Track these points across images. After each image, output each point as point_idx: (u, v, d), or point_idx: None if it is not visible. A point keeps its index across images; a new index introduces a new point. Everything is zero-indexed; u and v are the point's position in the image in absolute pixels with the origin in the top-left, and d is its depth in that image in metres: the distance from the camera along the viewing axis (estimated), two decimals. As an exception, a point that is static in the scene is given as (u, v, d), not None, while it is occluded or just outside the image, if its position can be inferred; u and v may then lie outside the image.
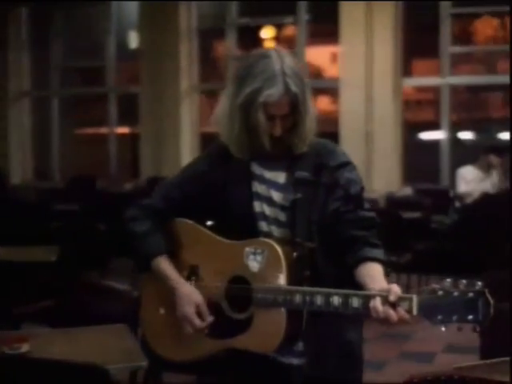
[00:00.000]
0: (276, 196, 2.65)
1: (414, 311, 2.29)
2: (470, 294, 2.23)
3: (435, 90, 11.32)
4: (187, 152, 12.00)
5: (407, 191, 10.41)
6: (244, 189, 2.68)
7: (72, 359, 2.70)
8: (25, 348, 2.95)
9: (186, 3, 11.91)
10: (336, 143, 2.78)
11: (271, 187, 2.67)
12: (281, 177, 2.66)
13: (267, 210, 2.66)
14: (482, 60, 11.39)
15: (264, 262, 2.55)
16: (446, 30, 10.68)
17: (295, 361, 2.64)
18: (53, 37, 13.15)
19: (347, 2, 10.67)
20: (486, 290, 2.23)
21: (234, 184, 2.70)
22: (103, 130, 13.12)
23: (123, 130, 13.15)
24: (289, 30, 12.23)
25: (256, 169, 2.70)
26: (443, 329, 2.26)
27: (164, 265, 2.72)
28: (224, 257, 2.66)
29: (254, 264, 2.57)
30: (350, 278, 2.53)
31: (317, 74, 12.15)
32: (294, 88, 2.53)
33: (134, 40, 13.29)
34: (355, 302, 2.37)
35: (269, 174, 2.68)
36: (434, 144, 11.05)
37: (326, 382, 2.62)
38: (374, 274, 2.48)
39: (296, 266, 2.56)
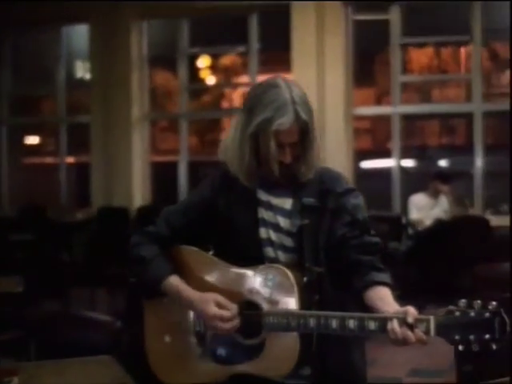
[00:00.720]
0: (283, 222, 2.69)
1: (432, 332, 2.35)
2: (487, 314, 2.29)
3: (371, 118, 11.56)
4: (138, 181, 11.95)
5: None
6: (250, 215, 2.72)
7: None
8: (15, 381, 2.90)
9: (137, 31, 11.90)
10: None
11: (278, 213, 2.70)
12: (287, 203, 2.71)
13: (273, 235, 2.70)
14: (418, 89, 11.58)
15: (275, 287, 2.59)
16: (396, 59, 10.86)
17: (301, 382, 2.66)
18: (1, 64, 13.00)
19: (299, 30, 10.78)
20: (502, 310, 2.29)
21: (239, 210, 2.73)
22: (53, 159, 12.99)
23: (72, 159, 13.04)
24: (226, 60, 12.31)
25: (262, 195, 2.73)
26: (460, 348, 2.30)
27: (176, 281, 2.73)
28: (233, 283, 2.68)
29: (265, 290, 2.60)
30: (357, 301, 2.58)
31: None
32: (303, 116, 2.58)
33: (81, 69, 13.22)
34: (372, 325, 2.42)
35: (275, 201, 2.72)
36: (381, 172, 11.19)
37: None
38: (384, 298, 2.54)
39: (306, 291, 2.60)
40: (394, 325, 2.38)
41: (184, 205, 2.86)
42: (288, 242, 2.69)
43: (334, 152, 10.71)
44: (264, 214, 2.71)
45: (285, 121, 2.56)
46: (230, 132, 2.71)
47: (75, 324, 3.89)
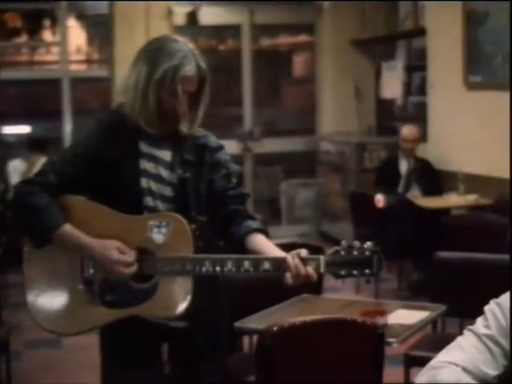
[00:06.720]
0: (164, 173, 2.86)
1: (322, 269, 2.70)
2: (367, 253, 2.69)
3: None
4: None
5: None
6: (132, 166, 2.83)
7: None
8: None
9: None
10: None
11: (160, 165, 2.87)
12: (167, 155, 2.88)
13: (154, 186, 2.85)
14: None
15: (169, 234, 2.73)
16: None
17: (180, 324, 2.85)
18: None
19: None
20: (378, 249, 2.70)
21: (122, 161, 2.82)
22: None
23: None
24: None
25: (144, 147, 2.87)
26: (342, 281, 2.73)
27: (71, 229, 2.74)
28: (124, 230, 2.75)
29: (158, 236, 2.73)
30: (231, 250, 2.82)
31: None
32: (203, 66, 2.83)
33: None
34: (266, 265, 2.71)
35: (157, 153, 2.87)
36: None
37: (206, 336, 2.93)
38: (267, 242, 2.84)
39: (194, 238, 2.77)
40: (289, 259, 2.67)
41: (71, 154, 2.87)
42: (168, 191, 2.85)
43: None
44: (146, 165, 2.85)
45: (190, 68, 2.77)
46: (127, 82, 2.82)
47: None
